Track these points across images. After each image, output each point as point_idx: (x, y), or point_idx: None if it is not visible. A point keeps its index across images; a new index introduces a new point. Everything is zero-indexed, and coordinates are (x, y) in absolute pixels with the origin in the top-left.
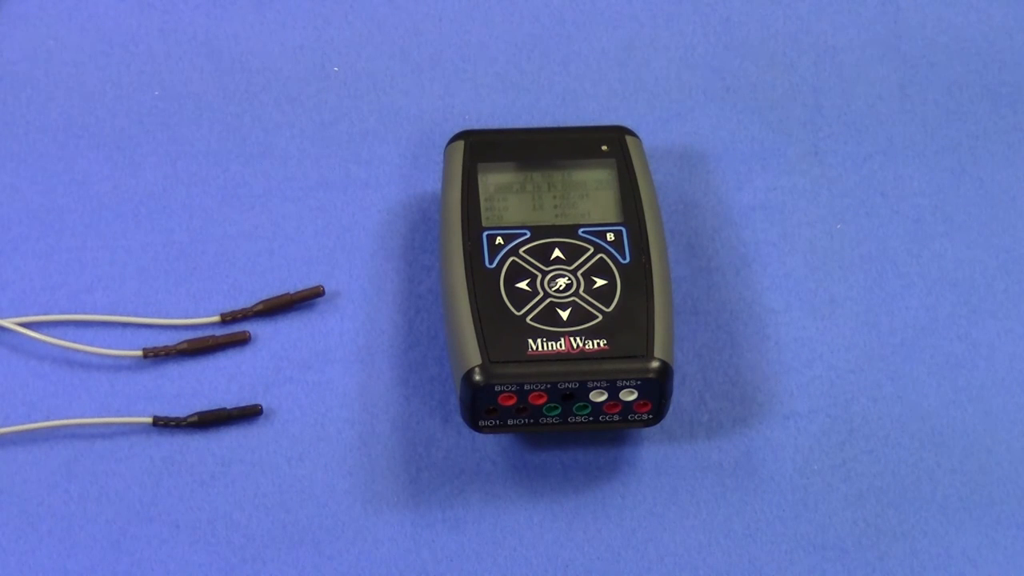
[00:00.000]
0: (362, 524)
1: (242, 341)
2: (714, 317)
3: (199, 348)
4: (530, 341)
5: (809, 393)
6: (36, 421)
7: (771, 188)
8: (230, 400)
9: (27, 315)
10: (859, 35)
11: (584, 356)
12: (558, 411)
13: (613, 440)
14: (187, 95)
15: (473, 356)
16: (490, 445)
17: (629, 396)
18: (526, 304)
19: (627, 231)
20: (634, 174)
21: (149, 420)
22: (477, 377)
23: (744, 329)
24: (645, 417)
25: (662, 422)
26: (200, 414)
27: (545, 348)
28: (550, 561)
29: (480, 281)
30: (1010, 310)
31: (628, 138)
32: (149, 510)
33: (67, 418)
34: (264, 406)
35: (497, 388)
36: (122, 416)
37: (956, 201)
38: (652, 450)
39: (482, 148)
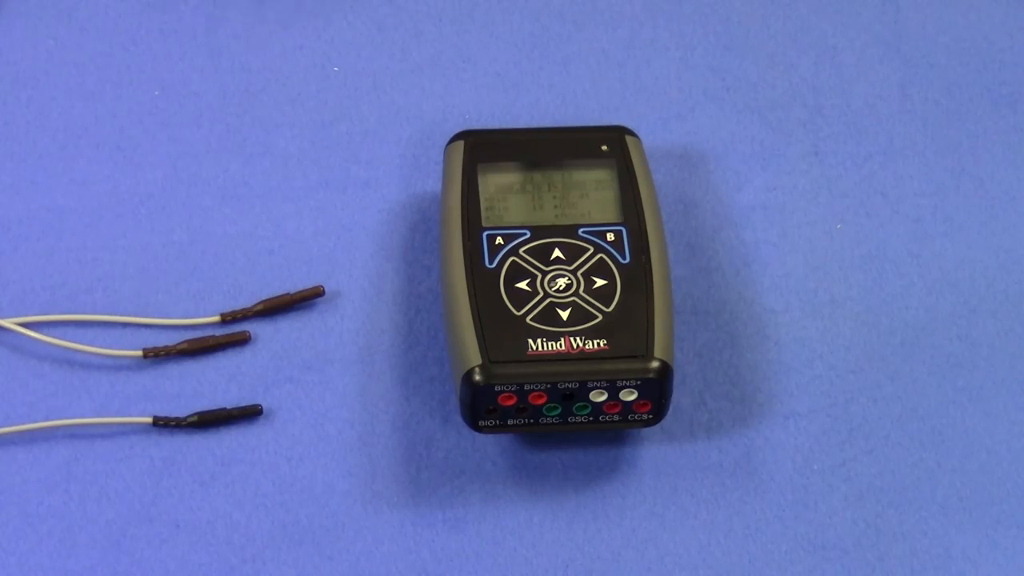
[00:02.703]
0: (362, 524)
1: (242, 341)
2: (714, 317)
3: (199, 348)
4: (530, 341)
5: (809, 393)
6: (36, 421)
7: (771, 188)
8: (230, 400)
9: (27, 315)
10: (859, 35)
11: (584, 356)
12: (558, 411)
13: (613, 440)
14: (187, 95)
15: (473, 356)
16: (490, 445)
17: (629, 396)
18: (526, 304)
19: (627, 231)
20: (634, 174)
21: (149, 420)
22: (477, 377)
23: (744, 329)
24: (645, 417)
25: (662, 422)
26: (200, 414)
27: (545, 348)
28: (550, 561)
29: (480, 281)
30: (1010, 310)
31: (628, 138)
32: (149, 510)
33: (67, 418)
34: (264, 406)
35: (497, 388)
36: (122, 416)
37: (956, 201)
38: (652, 450)
39: (482, 148)
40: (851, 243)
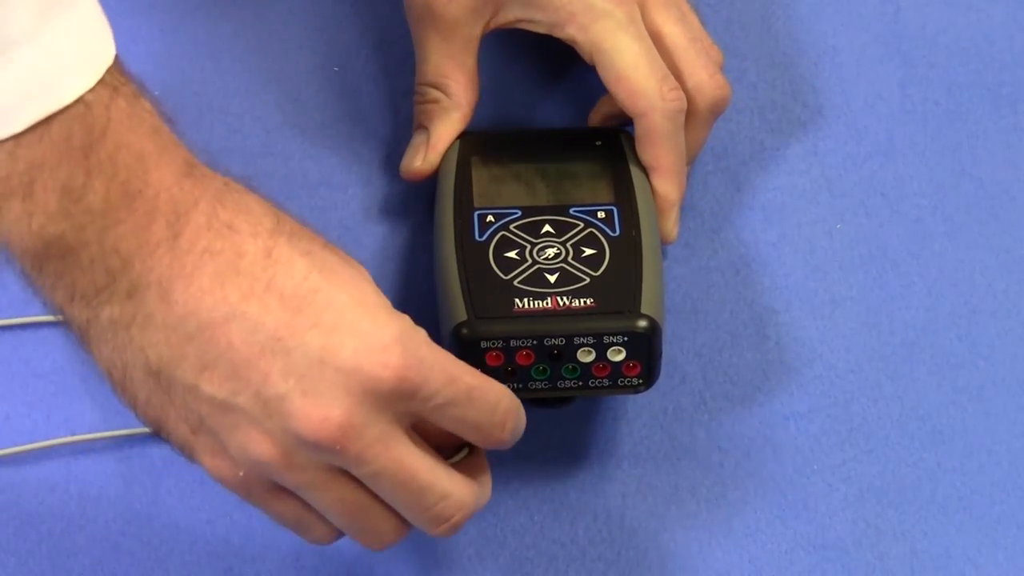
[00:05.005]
0: None
1: None
2: (714, 317)
3: None
4: (516, 300)
5: (809, 393)
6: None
7: (771, 188)
8: None
9: (27, 315)
10: (859, 35)
11: (570, 312)
12: (547, 374)
13: (613, 440)
14: (187, 95)
15: (459, 313)
16: None
17: (617, 356)
18: (514, 270)
19: (618, 210)
20: (627, 164)
21: None
22: (464, 332)
23: (744, 329)
24: (635, 382)
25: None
26: None
27: (531, 306)
28: (550, 561)
29: (469, 252)
30: (1010, 310)
31: (624, 137)
32: (149, 510)
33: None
34: None
35: (483, 344)
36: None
37: (956, 201)
38: (653, 451)
39: (479, 147)
40: (851, 243)
